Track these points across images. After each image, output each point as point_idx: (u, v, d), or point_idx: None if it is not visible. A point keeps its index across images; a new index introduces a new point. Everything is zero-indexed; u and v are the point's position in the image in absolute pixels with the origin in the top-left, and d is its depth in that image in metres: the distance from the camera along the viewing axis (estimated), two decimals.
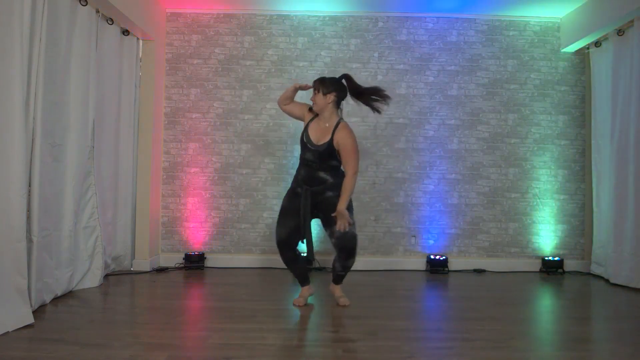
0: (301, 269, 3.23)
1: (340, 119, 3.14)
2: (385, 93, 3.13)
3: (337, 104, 3.14)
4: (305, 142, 3.12)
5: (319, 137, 3.09)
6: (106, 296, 3.43)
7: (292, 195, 3.18)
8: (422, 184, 4.62)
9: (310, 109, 3.20)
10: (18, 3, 2.64)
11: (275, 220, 3.17)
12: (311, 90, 3.19)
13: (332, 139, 3.04)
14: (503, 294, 3.69)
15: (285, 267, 3.27)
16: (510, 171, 4.65)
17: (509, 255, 4.62)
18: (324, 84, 3.09)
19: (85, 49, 3.44)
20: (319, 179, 3.09)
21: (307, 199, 3.08)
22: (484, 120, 4.66)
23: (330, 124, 3.10)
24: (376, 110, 3.18)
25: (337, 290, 3.28)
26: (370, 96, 3.14)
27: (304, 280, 3.24)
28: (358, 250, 3.15)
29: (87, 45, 3.47)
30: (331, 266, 3.26)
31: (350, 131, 3.08)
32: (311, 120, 3.17)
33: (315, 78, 3.19)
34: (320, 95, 3.07)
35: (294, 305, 3.17)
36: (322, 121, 3.13)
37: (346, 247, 3.06)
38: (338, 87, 3.11)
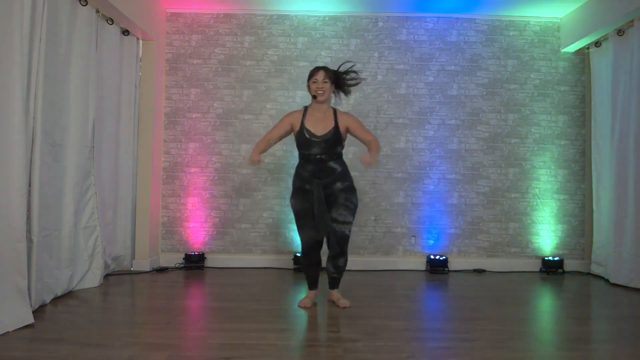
0: (317, 272, 3.20)
1: (332, 107, 3.18)
2: (353, 69, 3.18)
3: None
4: (308, 138, 3.04)
5: (321, 127, 3.05)
6: (106, 296, 3.43)
7: (302, 195, 3.08)
8: (422, 184, 4.62)
9: (292, 114, 3.18)
10: (18, 3, 2.64)
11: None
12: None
13: (337, 125, 3.05)
14: (503, 294, 3.69)
15: (304, 268, 3.23)
16: (510, 171, 4.65)
17: (509, 255, 4.62)
18: (329, 72, 3.10)
19: (85, 49, 3.44)
20: (330, 170, 3.04)
21: (320, 191, 3.00)
22: (484, 120, 4.66)
23: (329, 112, 3.10)
24: (350, 87, 3.22)
25: (334, 294, 3.22)
26: (343, 75, 3.18)
27: (314, 284, 3.21)
28: (351, 249, 3.10)
29: (87, 45, 3.47)
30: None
31: (349, 112, 3.21)
32: (303, 117, 3.10)
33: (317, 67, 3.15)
34: (329, 84, 3.07)
35: (299, 306, 3.13)
36: (318, 112, 3.10)
37: (338, 244, 3.04)
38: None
